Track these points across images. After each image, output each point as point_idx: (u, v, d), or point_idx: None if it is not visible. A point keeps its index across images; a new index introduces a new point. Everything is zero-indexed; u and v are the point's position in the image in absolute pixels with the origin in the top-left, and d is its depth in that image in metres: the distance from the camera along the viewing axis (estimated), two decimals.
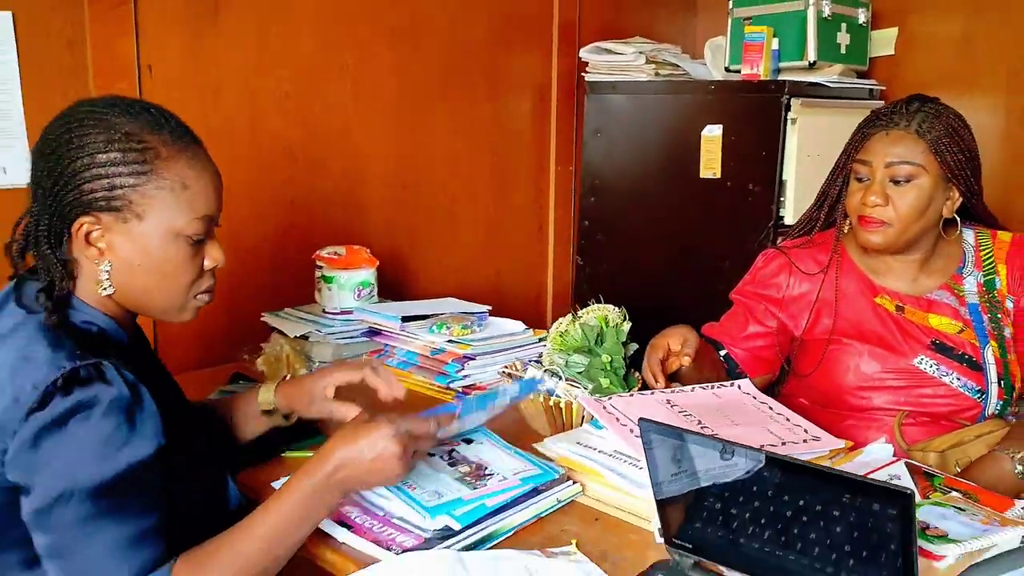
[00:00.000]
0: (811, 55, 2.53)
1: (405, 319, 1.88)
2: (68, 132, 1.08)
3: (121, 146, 1.07)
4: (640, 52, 2.70)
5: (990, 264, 1.65)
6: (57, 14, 1.81)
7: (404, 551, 1.13)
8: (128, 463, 1.01)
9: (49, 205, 1.07)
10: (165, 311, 1.17)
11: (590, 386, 1.57)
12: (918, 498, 1.21)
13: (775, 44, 2.52)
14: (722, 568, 1.11)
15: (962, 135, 1.57)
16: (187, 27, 2.00)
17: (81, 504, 0.98)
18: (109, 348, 1.07)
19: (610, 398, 1.48)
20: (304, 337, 1.92)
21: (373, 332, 1.94)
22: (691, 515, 1.12)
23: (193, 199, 1.12)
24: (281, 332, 1.93)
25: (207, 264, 1.18)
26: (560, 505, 1.31)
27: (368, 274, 2.02)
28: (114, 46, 1.88)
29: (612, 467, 1.32)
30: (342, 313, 1.98)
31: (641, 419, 1.10)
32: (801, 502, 1.02)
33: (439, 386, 1.77)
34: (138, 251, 1.10)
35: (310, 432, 1.51)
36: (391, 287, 2.31)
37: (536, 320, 2.01)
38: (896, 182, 1.57)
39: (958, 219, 1.65)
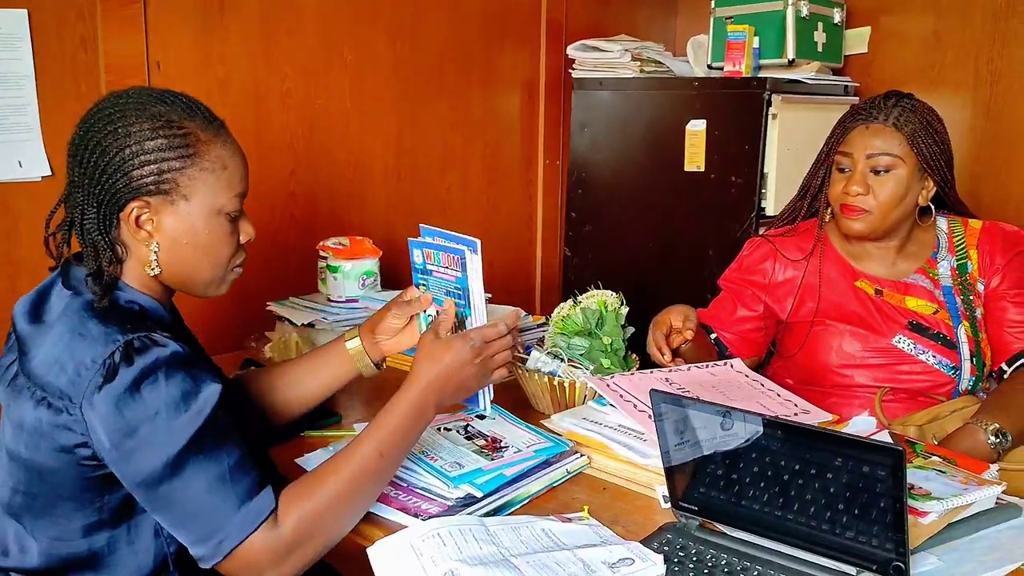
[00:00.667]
0: (790, 53, 2.64)
1: None
2: (111, 123, 1.13)
3: (165, 133, 1.14)
4: (625, 50, 2.79)
5: (962, 249, 1.77)
6: (70, 12, 1.88)
7: (429, 517, 1.21)
8: (206, 410, 1.08)
9: (97, 193, 1.13)
10: (207, 285, 1.24)
11: (591, 367, 1.65)
12: None
13: (756, 42, 2.62)
14: (725, 528, 1.20)
15: (936, 128, 1.69)
16: (194, 25, 2.06)
17: (180, 463, 1.06)
18: (152, 324, 1.13)
19: (612, 377, 1.56)
20: (310, 325, 1.98)
21: None
22: (696, 480, 1.21)
23: (231, 178, 1.19)
24: (288, 320, 2.00)
25: (242, 239, 1.26)
26: (569, 476, 1.39)
27: (372, 263, 2.10)
28: (125, 43, 1.95)
29: (617, 440, 1.41)
30: (347, 301, 2.05)
31: (652, 390, 1.19)
32: (798, 465, 1.10)
33: None
34: (185, 230, 1.17)
35: (327, 413, 1.59)
36: (389, 275, 2.38)
37: (526, 308, 2.10)
38: (876, 172, 1.68)
39: (933, 207, 1.76)
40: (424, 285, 1.42)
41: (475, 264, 1.30)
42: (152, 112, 1.14)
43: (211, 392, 1.10)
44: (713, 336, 1.85)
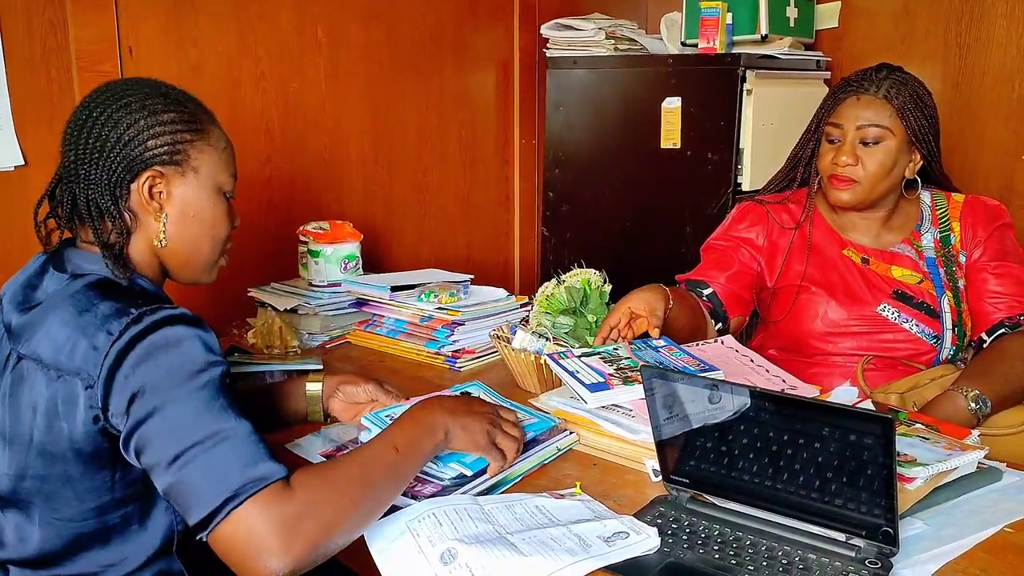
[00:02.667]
0: (763, 28, 2.65)
1: (394, 289, 1.95)
2: (121, 99, 1.17)
3: (176, 108, 1.19)
4: (599, 28, 2.79)
5: (945, 222, 1.80)
6: None
7: (424, 498, 1.22)
8: (216, 374, 1.06)
9: (109, 164, 1.16)
10: (204, 266, 1.27)
11: (577, 345, 1.66)
12: None
13: (729, 19, 2.63)
14: (716, 500, 1.22)
15: (926, 102, 1.71)
16: (166, 8, 2.03)
17: (190, 414, 1.03)
18: (158, 301, 1.13)
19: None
20: (293, 310, 1.98)
21: (360, 303, 2.01)
22: (687, 453, 1.22)
23: (229, 159, 1.26)
24: (270, 306, 1.99)
25: (235, 222, 1.31)
26: (560, 453, 1.41)
27: (353, 247, 2.09)
28: (95, 28, 1.92)
29: (605, 416, 1.42)
30: (329, 286, 2.05)
31: (643, 366, 1.20)
32: (786, 436, 1.12)
33: (429, 351, 1.86)
34: (193, 202, 1.22)
35: None
36: (368, 259, 2.38)
37: (505, 288, 2.10)
38: (865, 144, 1.70)
39: (919, 180, 1.79)
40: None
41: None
42: (160, 91, 1.20)
43: (222, 368, 1.09)
44: (708, 291, 1.83)
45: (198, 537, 1.01)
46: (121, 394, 1.05)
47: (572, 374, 1.47)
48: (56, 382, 1.08)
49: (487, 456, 1.27)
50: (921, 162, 1.75)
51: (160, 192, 1.19)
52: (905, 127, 1.69)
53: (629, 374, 1.46)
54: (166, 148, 1.17)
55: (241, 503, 0.98)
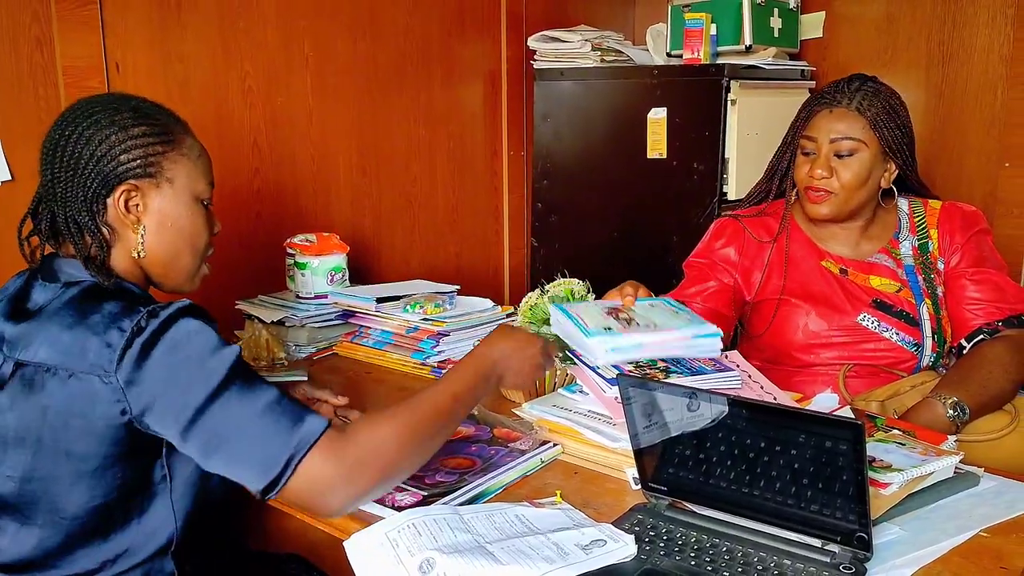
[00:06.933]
0: (747, 39, 2.67)
1: (380, 300, 1.96)
2: (91, 116, 1.19)
3: (146, 121, 1.21)
4: (585, 39, 2.81)
5: (923, 229, 1.81)
6: (24, 14, 1.84)
7: (404, 508, 1.23)
8: (233, 355, 1.11)
9: (84, 181, 1.17)
10: (186, 274, 1.29)
11: (560, 354, 1.67)
12: None
13: (713, 30, 2.65)
14: (694, 507, 1.23)
15: (899, 112, 1.72)
16: (152, 25, 2.04)
17: (223, 393, 1.08)
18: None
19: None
20: (280, 322, 1.99)
21: (347, 315, 2.02)
22: (665, 461, 1.23)
23: (204, 167, 1.27)
24: (257, 319, 2.00)
25: (215, 229, 1.33)
26: (543, 465, 1.42)
27: (340, 259, 2.10)
28: (82, 45, 1.93)
29: (587, 425, 1.43)
30: (316, 298, 2.06)
31: (620, 375, 1.21)
32: (763, 443, 1.13)
33: (415, 362, 1.86)
34: (170, 212, 1.24)
35: None
36: (357, 270, 2.39)
37: (494, 299, 2.10)
38: (840, 156, 1.72)
39: (895, 189, 1.80)
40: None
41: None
42: (130, 105, 1.23)
43: (233, 347, 1.13)
44: None
45: (266, 499, 1.10)
46: (141, 380, 1.08)
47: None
48: (69, 382, 1.10)
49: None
50: (897, 171, 1.76)
51: (136, 205, 1.21)
52: (879, 138, 1.71)
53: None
54: (139, 161, 1.19)
55: (303, 458, 1.07)
